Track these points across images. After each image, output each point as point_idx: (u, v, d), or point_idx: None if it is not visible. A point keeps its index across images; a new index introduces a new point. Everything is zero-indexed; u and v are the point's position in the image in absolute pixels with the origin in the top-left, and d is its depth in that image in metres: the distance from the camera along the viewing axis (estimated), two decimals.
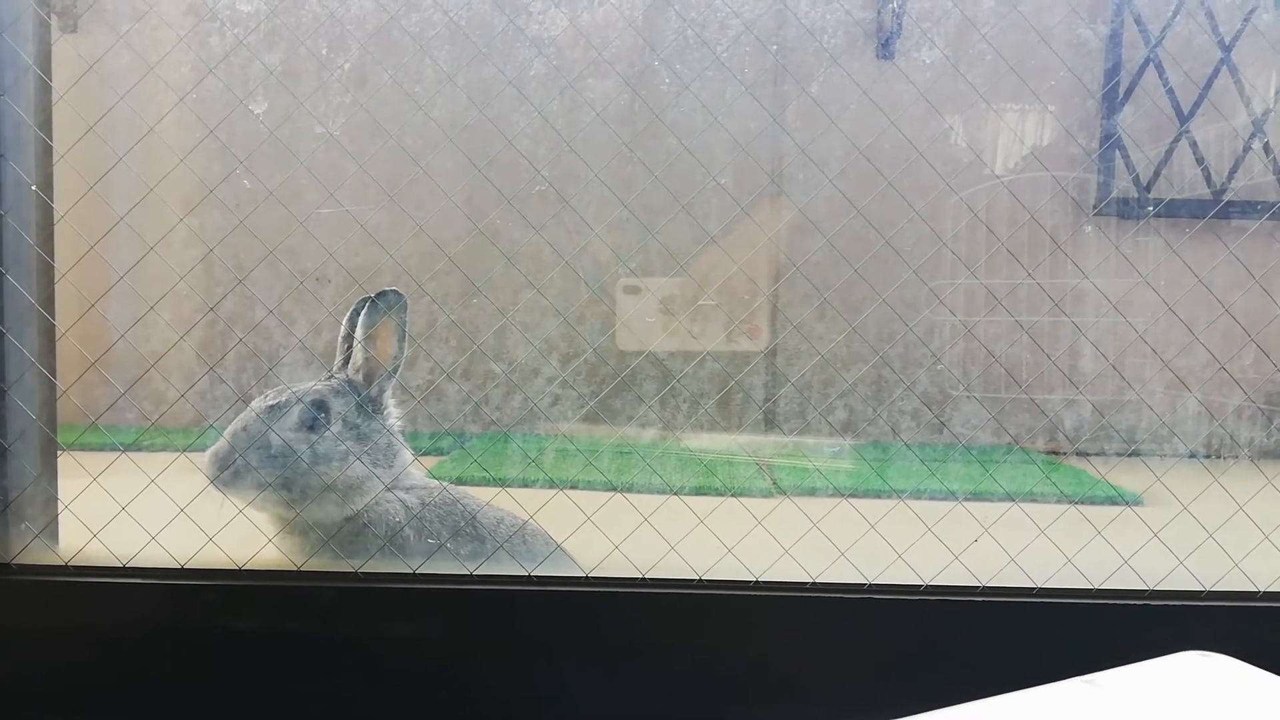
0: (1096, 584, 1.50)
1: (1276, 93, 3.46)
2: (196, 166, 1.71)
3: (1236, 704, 0.96)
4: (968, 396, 3.17)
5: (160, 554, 1.48)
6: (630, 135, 2.37)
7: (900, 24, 3.30)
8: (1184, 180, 3.44)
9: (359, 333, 1.57)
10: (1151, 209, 3.31)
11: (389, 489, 1.56)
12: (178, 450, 1.49)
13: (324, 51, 2.65)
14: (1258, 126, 3.37)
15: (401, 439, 1.62)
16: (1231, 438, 3.06)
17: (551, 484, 1.97)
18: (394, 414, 1.62)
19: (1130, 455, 2.07)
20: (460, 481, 1.72)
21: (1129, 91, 3.38)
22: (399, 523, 1.55)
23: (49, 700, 1.49)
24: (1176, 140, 3.39)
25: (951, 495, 1.80)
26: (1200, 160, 3.40)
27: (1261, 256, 2.08)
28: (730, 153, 2.48)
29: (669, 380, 2.66)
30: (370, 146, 1.84)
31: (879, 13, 3.34)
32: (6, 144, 1.54)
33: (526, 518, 1.60)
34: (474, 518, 1.59)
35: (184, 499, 1.47)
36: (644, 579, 1.50)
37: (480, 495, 1.66)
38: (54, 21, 1.65)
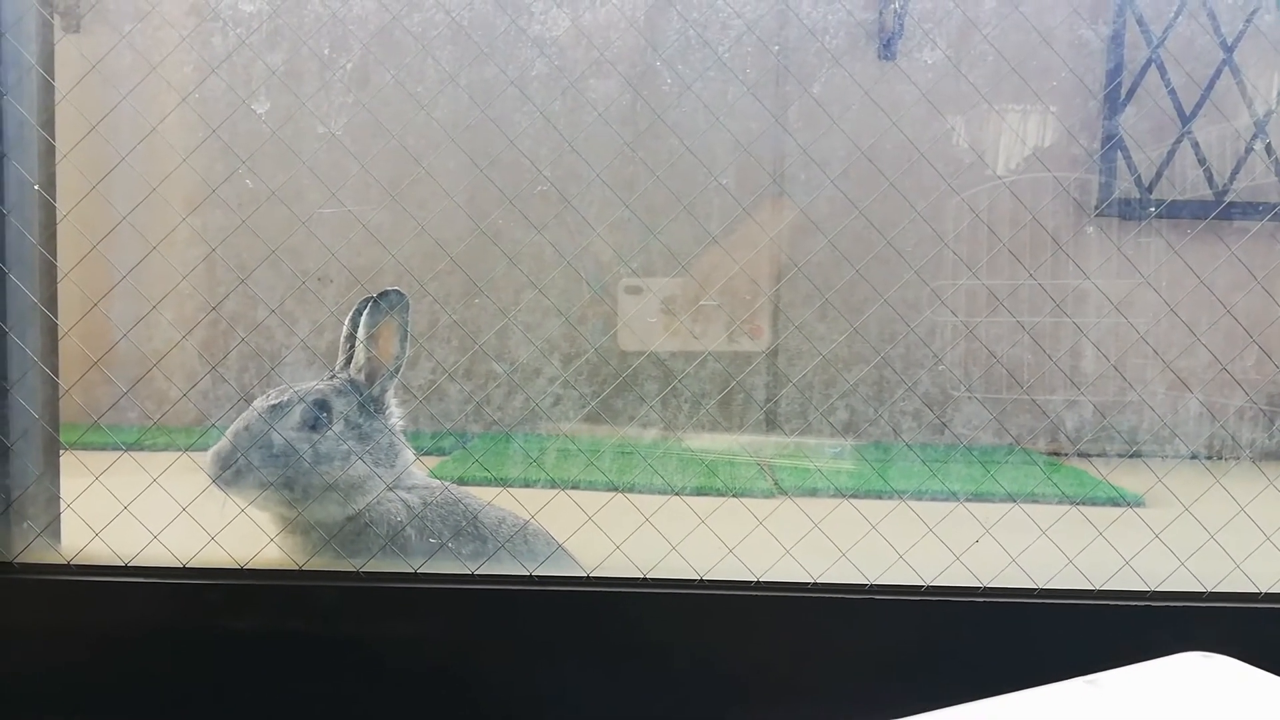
0: (1098, 585, 1.50)
1: (1278, 94, 3.46)
2: (199, 166, 1.71)
3: (1237, 705, 0.96)
4: (969, 397, 3.17)
5: (162, 553, 1.48)
6: (632, 135, 2.38)
7: (902, 25, 3.30)
8: (1186, 181, 3.44)
9: (361, 332, 1.57)
10: (1153, 210, 3.31)
11: (391, 488, 1.56)
12: (180, 449, 1.49)
13: (326, 51, 2.66)
14: (1260, 127, 3.37)
15: (403, 438, 1.62)
16: (1233, 439, 3.06)
17: (553, 484, 1.97)
18: (396, 413, 1.63)
19: (1132, 456, 2.07)
20: (462, 481, 1.72)
21: (1131, 92, 3.38)
22: (400, 522, 1.55)
23: (50, 699, 1.49)
24: (1178, 141, 3.39)
25: (953, 496, 1.80)
26: (1202, 161, 3.40)
27: (1263, 257, 2.08)
28: (732, 153, 2.48)
29: (670, 380, 2.66)
30: (372, 146, 1.84)
31: (881, 13, 3.34)
32: (9, 143, 1.55)
33: (528, 517, 1.60)
34: (475, 517, 1.59)
35: (186, 498, 1.47)
36: (645, 579, 1.50)
37: (482, 495, 1.66)
38: (57, 21, 1.66)
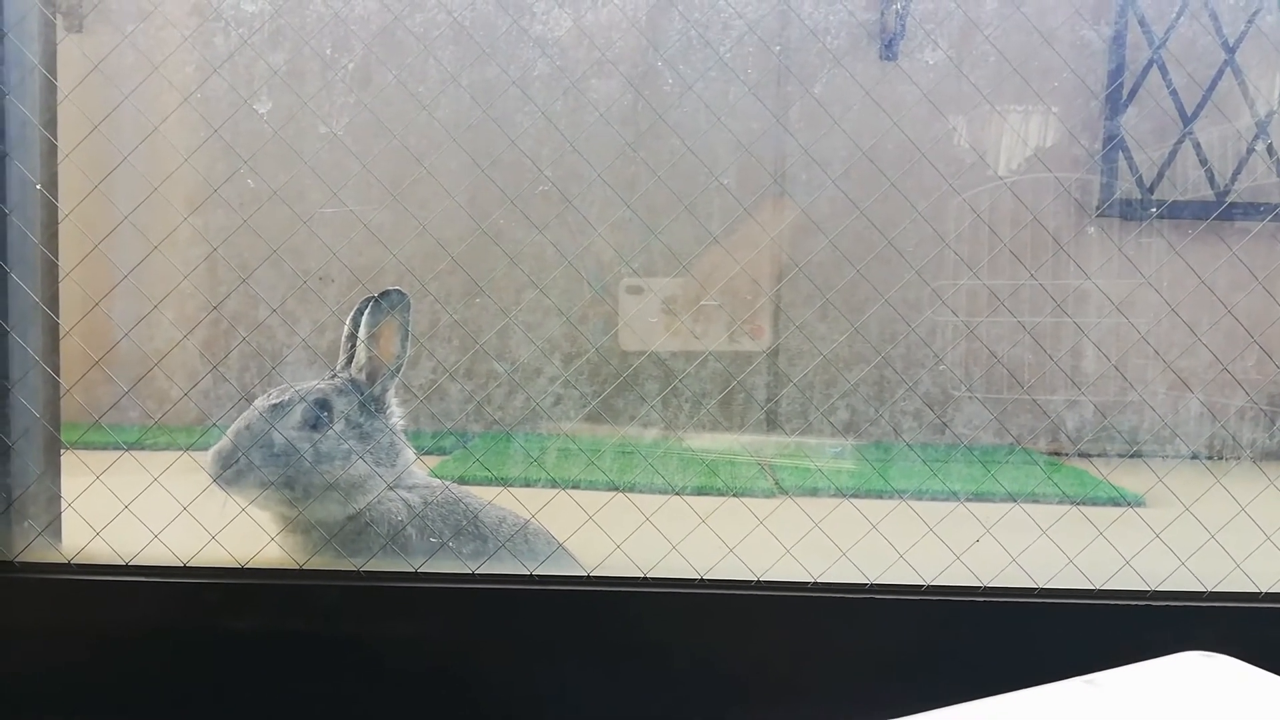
0: (1098, 585, 1.50)
1: None
2: (200, 166, 1.71)
3: (1238, 705, 0.96)
4: (970, 397, 3.17)
5: (163, 552, 1.49)
6: (633, 135, 2.38)
7: (903, 25, 3.30)
8: (1187, 182, 3.44)
9: (362, 332, 1.57)
10: (1155, 210, 3.31)
11: (391, 488, 1.56)
12: (181, 449, 1.49)
13: (328, 51, 2.66)
14: (1261, 128, 3.36)
15: (404, 438, 1.62)
16: (1234, 439, 3.06)
17: (553, 483, 1.97)
18: (396, 413, 1.63)
19: (1132, 456, 2.07)
20: (462, 481, 1.73)
21: (1132, 93, 3.38)
22: (401, 522, 1.55)
23: (50, 699, 1.49)
24: (1180, 142, 3.39)
25: (953, 496, 1.80)
26: (1204, 162, 3.40)
27: (1264, 258, 2.07)
28: (733, 153, 2.48)
29: (671, 380, 2.66)
30: (374, 146, 1.84)
31: (882, 14, 3.34)
32: (12, 143, 1.55)
33: (528, 517, 1.61)
34: (476, 517, 1.59)
35: (187, 497, 1.47)
36: (646, 578, 1.51)
37: (482, 494, 1.66)
38: (59, 21, 1.66)
